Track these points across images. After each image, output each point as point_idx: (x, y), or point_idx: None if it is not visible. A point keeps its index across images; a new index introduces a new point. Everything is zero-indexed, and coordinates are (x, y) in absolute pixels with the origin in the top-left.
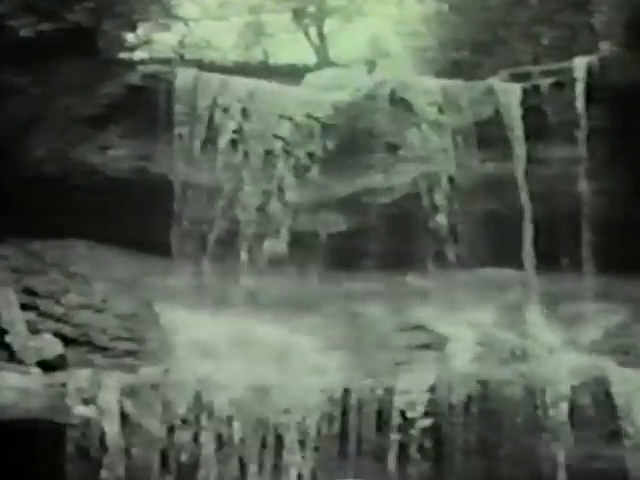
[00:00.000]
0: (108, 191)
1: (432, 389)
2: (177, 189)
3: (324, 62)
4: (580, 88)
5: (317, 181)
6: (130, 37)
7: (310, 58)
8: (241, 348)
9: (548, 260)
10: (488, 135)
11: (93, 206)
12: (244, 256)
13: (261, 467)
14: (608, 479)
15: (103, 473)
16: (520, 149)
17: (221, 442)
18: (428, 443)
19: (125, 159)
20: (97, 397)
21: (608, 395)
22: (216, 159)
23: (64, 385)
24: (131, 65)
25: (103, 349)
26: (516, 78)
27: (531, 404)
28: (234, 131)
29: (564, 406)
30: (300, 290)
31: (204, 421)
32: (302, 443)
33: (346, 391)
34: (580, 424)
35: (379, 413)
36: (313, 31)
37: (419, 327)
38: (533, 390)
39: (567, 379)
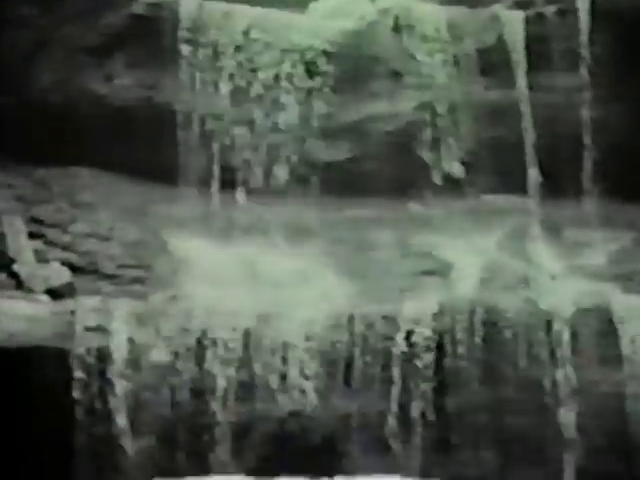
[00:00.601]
0: (114, 120)
1: (437, 315)
2: (182, 118)
3: None
4: (584, 15)
5: (321, 108)
6: None
7: None
8: (247, 275)
9: (551, 187)
10: (491, 62)
11: (99, 135)
12: (250, 184)
13: (267, 390)
14: (608, 406)
15: (112, 400)
16: (523, 76)
17: (227, 370)
18: (432, 369)
19: (130, 88)
20: (105, 324)
21: (610, 321)
22: (220, 88)
23: (72, 313)
24: None
25: (110, 277)
26: (520, 5)
27: (534, 330)
28: (238, 61)
29: (567, 331)
30: (303, 218)
31: (211, 349)
32: (308, 368)
33: (351, 317)
34: (582, 350)
35: (384, 339)
36: None
37: (423, 254)
38: (536, 316)
39: (570, 305)
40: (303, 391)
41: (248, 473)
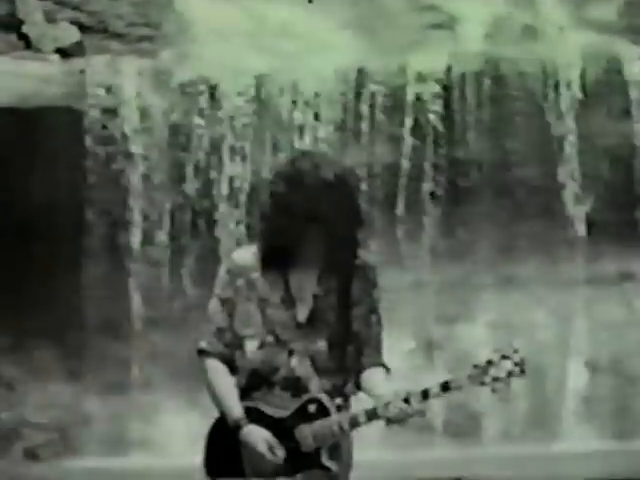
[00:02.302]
0: None
1: (445, 69)
2: None
3: None
4: None
5: None
6: None
7: None
8: (256, 28)
9: None
10: None
11: None
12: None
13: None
14: (615, 155)
15: (125, 161)
16: None
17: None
18: (440, 123)
19: None
20: (115, 83)
21: (619, 72)
22: None
23: (82, 72)
24: None
25: (119, 35)
26: None
27: (542, 82)
28: None
29: (575, 83)
30: None
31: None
32: (314, 113)
33: (360, 70)
34: (590, 100)
35: (392, 93)
36: None
37: (430, 6)
38: (544, 68)
39: (578, 57)
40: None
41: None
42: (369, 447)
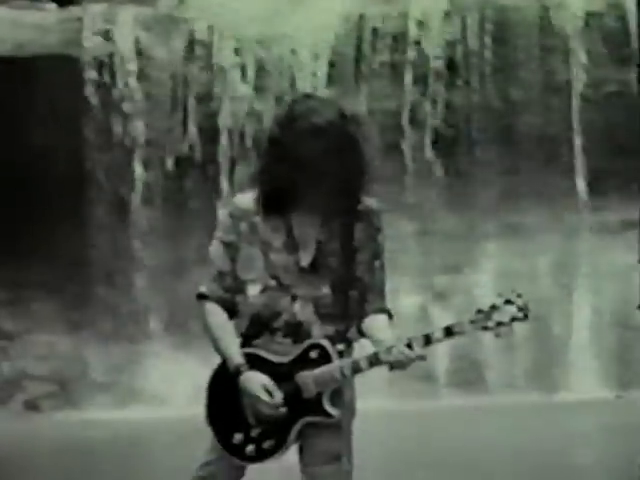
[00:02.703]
0: None
1: (446, 14)
2: None
3: None
4: None
5: None
6: None
7: None
8: None
9: None
10: None
11: None
12: None
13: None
14: (619, 101)
15: (125, 106)
16: None
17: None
18: (444, 69)
19: None
20: (112, 29)
21: (623, 20)
22: None
23: (79, 20)
24: None
25: None
26: None
27: (546, 28)
28: None
29: (577, 36)
30: None
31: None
32: (316, 57)
33: (362, 16)
34: (593, 50)
35: (394, 39)
36: None
37: None
38: (547, 12)
39: (582, 3)
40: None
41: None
42: (373, 396)
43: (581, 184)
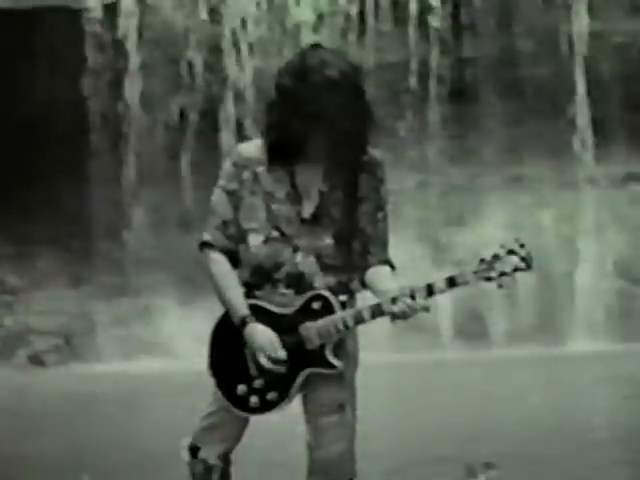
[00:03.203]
0: None
1: None
2: None
3: None
4: None
5: None
6: None
7: None
8: None
9: None
10: None
11: None
12: None
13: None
14: (626, 53)
15: (126, 58)
16: None
17: None
18: (448, 21)
19: None
20: None
21: None
22: None
23: None
24: None
25: None
26: None
27: None
28: None
29: None
30: None
31: None
32: (320, 17)
33: None
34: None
35: None
36: None
37: None
38: None
39: None
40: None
41: None
42: (377, 349)
43: (585, 136)
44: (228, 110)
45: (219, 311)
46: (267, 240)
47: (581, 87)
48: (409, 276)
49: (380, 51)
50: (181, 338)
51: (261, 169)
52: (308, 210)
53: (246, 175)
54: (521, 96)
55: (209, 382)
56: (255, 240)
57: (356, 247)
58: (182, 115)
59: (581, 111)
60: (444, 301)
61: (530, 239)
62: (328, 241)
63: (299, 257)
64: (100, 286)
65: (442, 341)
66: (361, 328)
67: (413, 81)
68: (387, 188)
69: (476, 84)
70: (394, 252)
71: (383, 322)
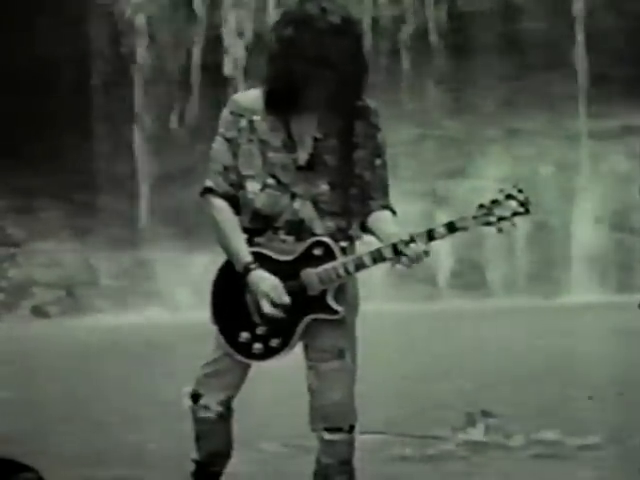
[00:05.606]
0: None
1: None
2: None
3: None
4: None
5: None
6: None
7: None
8: None
9: None
10: None
11: None
12: None
13: None
14: (623, 7)
15: (131, 17)
16: None
17: None
18: None
19: None
20: None
21: None
22: None
23: None
24: None
25: None
26: None
27: None
28: None
29: None
30: None
31: None
32: None
33: None
34: None
35: None
36: None
37: None
38: None
39: None
40: None
41: None
42: (376, 298)
43: (582, 90)
44: (231, 65)
45: (220, 261)
46: (264, 187)
47: (580, 40)
48: (408, 228)
49: (377, 5)
50: (181, 289)
51: (257, 118)
52: (303, 157)
53: (243, 123)
54: (519, 50)
55: (210, 332)
56: (252, 187)
57: (354, 193)
58: (184, 70)
59: (578, 65)
60: (442, 251)
61: (527, 191)
62: (324, 187)
63: (297, 204)
64: (102, 239)
65: (440, 291)
66: (361, 279)
67: (409, 34)
68: (384, 136)
69: (475, 38)
70: (393, 204)
71: (383, 271)
